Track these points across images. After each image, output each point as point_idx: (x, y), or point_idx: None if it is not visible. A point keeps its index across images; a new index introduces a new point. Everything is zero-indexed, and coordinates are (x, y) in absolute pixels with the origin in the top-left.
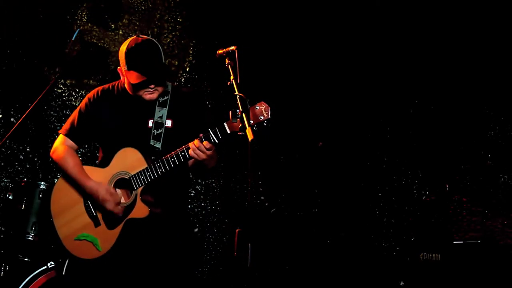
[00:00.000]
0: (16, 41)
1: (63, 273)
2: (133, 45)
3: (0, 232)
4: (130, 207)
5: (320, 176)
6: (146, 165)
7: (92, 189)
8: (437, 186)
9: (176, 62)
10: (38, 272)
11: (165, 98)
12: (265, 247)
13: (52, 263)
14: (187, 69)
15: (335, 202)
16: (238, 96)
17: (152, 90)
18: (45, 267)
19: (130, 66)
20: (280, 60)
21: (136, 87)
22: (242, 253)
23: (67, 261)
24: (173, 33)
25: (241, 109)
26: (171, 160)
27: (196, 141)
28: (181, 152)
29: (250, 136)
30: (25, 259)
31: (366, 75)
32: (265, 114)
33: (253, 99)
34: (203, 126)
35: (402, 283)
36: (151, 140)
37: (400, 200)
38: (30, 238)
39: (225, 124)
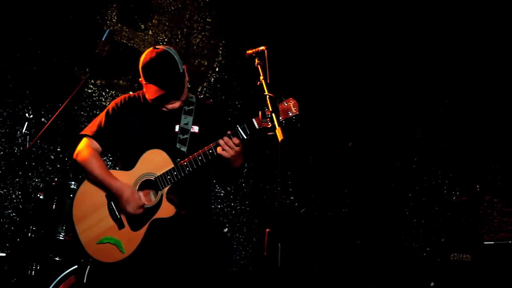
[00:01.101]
0: (46, 42)
1: (85, 281)
2: (148, 59)
3: (32, 231)
4: (155, 207)
5: (349, 176)
6: (172, 165)
7: (118, 190)
8: (467, 186)
9: (206, 62)
10: (69, 272)
11: (191, 107)
12: (295, 247)
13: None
14: (217, 69)
15: (364, 202)
16: (268, 96)
17: (172, 101)
18: (76, 266)
19: (148, 80)
20: (310, 59)
21: (155, 101)
22: (272, 253)
23: (88, 268)
24: (203, 33)
25: (271, 109)
26: (198, 158)
27: (225, 138)
28: (208, 150)
29: (280, 136)
30: (56, 259)
31: (397, 75)
32: (293, 110)
33: (281, 95)
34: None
35: (432, 284)
36: (177, 144)
37: (430, 200)
38: (61, 238)
39: (253, 120)
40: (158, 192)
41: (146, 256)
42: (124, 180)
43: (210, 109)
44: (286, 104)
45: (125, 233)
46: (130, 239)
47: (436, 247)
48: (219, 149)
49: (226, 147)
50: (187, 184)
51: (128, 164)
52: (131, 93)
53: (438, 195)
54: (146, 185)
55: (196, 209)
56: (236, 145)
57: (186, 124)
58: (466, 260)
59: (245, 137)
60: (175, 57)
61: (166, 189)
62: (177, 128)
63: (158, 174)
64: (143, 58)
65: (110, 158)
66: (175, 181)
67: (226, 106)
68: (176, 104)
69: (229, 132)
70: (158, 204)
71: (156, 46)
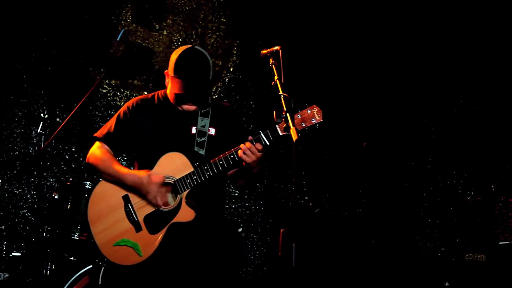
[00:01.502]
0: (61, 42)
1: (100, 282)
2: (185, 54)
3: (47, 231)
4: (174, 211)
5: (364, 176)
6: (192, 169)
7: (134, 178)
8: (482, 186)
9: (220, 62)
10: (82, 273)
11: (207, 109)
12: (309, 247)
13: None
14: (231, 69)
15: (379, 202)
16: (282, 96)
17: (192, 103)
18: (91, 266)
19: (177, 74)
20: (324, 59)
21: (177, 96)
22: (287, 253)
23: (102, 269)
24: (217, 33)
25: (285, 109)
26: (219, 163)
27: (248, 143)
28: (230, 155)
29: (294, 136)
30: (71, 258)
31: (411, 75)
32: (317, 117)
33: (300, 99)
34: (244, 136)
35: (447, 284)
36: (195, 147)
37: (445, 200)
38: (75, 238)
39: (277, 126)
40: (177, 195)
41: (164, 260)
42: None
43: (226, 111)
44: (309, 112)
45: (142, 236)
46: (148, 242)
47: (451, 247)
48: (240, 153)
49: (248, 152)
50: (206, 188)
51: (145, 165)
52: (145, 93)
53: (453, 195)
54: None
55: (214, 212)
56: (259, 151)
57: (203, 126)
58: (481, 260)
59: (268, 144)
60: (210, 62)
61: (185, 193)
62: (193, 130)
63: (177, 178)
64: (179, 52)
65: (125, 158)
66: (195, 185)
67: (240, 106)
68: (193, 107)
69: (251, 137)
70: (177, 207)
71: (196, 46)
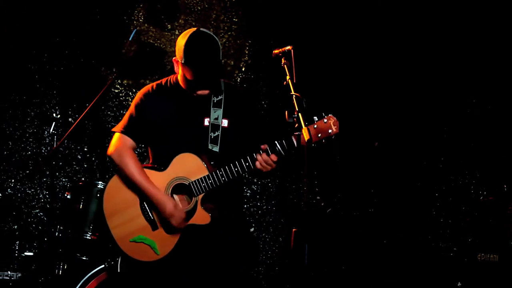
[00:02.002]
0: (73, 42)
1: (118, 271)
2: (193, 39)
3: (59, 231)
4: (190, 213)
5: (376, 176)
6: (207, 173)
7: (160, 203)
8: (495, 186)
9: (232, 62)
10: (96, 271)
11: (220, 97)
12: (321, 247)
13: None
14: (243, 69)
15: (391, 202)
16: (294, 95)
17: (205, 89)
18: (103, 265)
19: (187, 61)
20: (336, 59)
21: (190, 83)
22: (299, 253)
23: (119, 259)
24: (229, 33)
25: (297, 109)
26: (234, 169)
27: (264, 155)
28: (245, 163)
29: (306, 136)
30: (83, 258)
31: (423, 75)
32: (334, 129)
33: (312, 99)
34: (259, 125)
35: (459, 284)
36: (209, 144)
37: (457, 200)
38: (88, 237)
39: (292, 137)
40: (192, 197)
41: (180, 259)
42: (157, 181)
43: (240, 97)
44: (326, 122)
45: (159, 234)
46: (165, 242)
47: (463, 247)
48: (257, 164)
49: (264, 164)
50: (222, 190)
51: (159, 161)
52: (157, 81)
53: (465, 195)
54: (180, 188)
55: (229, 212)
56: (274, 162)
57: (216, 119)
58: (493, 260)
59: (283, 154)
60: (219, 44)
61: (200, 196)
62: (206, 122)
63: (192, 180)
64: (186, 36)
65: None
66: (210, 189)
67: None
68: (206, 91)
69: (266, 147)
70: (193, 210)
71: (201, 29)
